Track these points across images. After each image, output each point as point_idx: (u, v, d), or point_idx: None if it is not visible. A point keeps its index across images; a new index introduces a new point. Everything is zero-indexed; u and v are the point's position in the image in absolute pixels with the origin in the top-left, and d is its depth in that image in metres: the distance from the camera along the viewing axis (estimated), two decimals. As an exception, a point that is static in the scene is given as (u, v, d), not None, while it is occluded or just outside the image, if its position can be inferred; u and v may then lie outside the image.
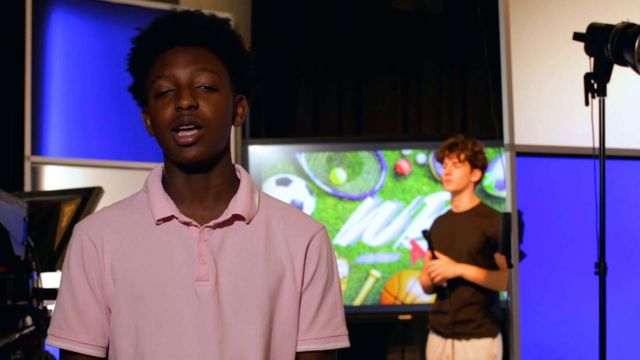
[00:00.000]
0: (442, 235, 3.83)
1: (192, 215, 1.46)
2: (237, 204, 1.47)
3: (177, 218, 1.45)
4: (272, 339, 1.45)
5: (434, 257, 3.75)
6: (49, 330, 1.48)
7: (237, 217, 1.47)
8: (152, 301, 1.41)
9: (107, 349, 1.48)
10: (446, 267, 3.71)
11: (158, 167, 1.53)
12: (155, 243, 1.44)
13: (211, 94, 1.43)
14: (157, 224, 1.45)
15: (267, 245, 1.47)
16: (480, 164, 3.82)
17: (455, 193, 3.87)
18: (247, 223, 1.47)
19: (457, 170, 3.80)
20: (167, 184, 1.49)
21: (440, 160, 3.88)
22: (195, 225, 1.44)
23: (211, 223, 1.45)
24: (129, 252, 1.44)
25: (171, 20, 1.45)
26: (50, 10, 4.61)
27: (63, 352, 1.47)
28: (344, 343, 1.53)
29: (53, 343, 1.47)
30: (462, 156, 3.79)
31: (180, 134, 1.40)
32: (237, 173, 1.54)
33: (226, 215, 1.46)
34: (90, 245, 1.45)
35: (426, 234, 3.78)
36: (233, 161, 1.58)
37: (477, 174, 3.83)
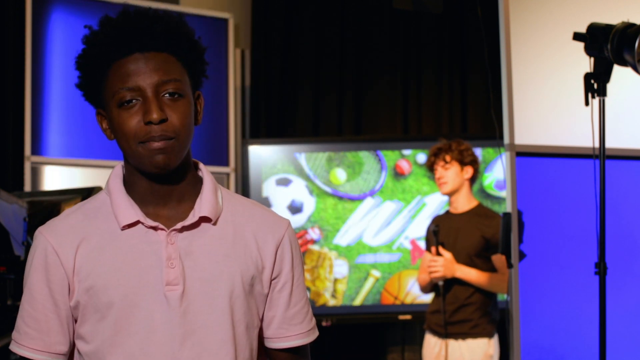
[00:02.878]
0: (442, 235, 3.84)
1: (157, 216, 1.44)
2: (203, 206, 1.45)
3: (142, 223, 1.43)
4: (241, 340, 1.45)
5: (438, 254, 3.76)
6: (12, 334, 1.48)
7: (203, 219, 1.45)
8: (120, 307, 1.39)
9: (72, 355, 1.46)
10: (447, 268, 3.72)
11: (118, 167, 1.50)
12: (122, 248, 1.41)
13: (176, 101, 1.40)
14: (123, 230, 1.43)
15: (235, 245, 1.46)
16: (468, 160, 3.84)
17: (451, 194, 3.89)
18: (214, 224, 1.46)
19: (447, 172, 3.83)
20: (129, 186, 1.46)
21: (430, 168, 3.92)
22: (162, 229, 1.42)
23: (178, 226, 1.43)
24: (95, 259, 1.41)
25: (129, 23, 1.40)
26: (50, 10, 4.61)
27: (22, 357, 1.46)
28: (317, 333, 1.56)
29: (12, 347, 1.47)
30: (448, 157, 3.83)
31: (150, 143, 1.38)
32: (199, 172, 1.52)
33: (193, 217, 1.44)
34: (52, 252, 1.42)
35: (436, 229, 3.78)
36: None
37: (468, 171, 3.85)
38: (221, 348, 1.42)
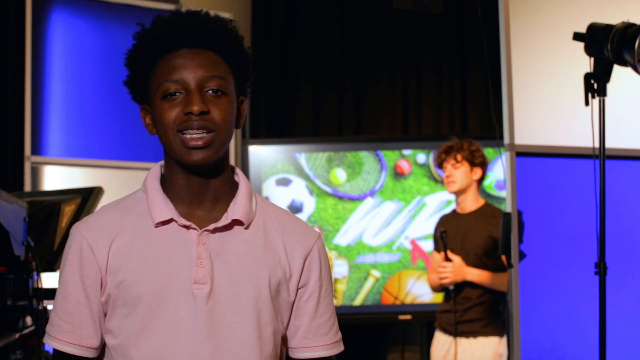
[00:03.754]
0: (450, 236, 3.83)
1: (191, 216, 1.46)
2: (237, 209, 1.47)
3: (176, 221, 1.45)
4: (267, 343, 1.47)
5: (447, 258, 3.76)
6: (46, 327, 1.51)
7: (236, 222, 1.47)
8: (148, 302, 1.42)
9: (103, 349, 1.50)
10: (456, 273, 3.72)
11: (156, 167, 1.53)
12: (154, 245, 1.44)
13: (220, 98, 1.43)
14: (156, 227, 1.45)
15: (266, 251, 1.48)
16: (478, 161, 3.83)
17: (458, 194, 3.88)
18: (246, 228, 1.48)
19: (457, 171, 3.82)
20: (166, 183, 1.49)
21: (440, 165, 3.91)
22: (194, 229, 1.45)
23: (211, 227, 1.45)
24: (127, 254, 1.44)
25: (179, 20, 1.44)
26: (50, 10, 4.61)
27: (54, 349, 1.50)
28: (342, 347, 1.58)
29: (45, 340, 1.50)
30: (460, 157, 3.81)
31: (189, 136, 1.41)
32: (235, 176, 1.54)
33: (226, 219, 1.46)
34: (87, 248, 1.45)
35: (444, 234, 3.78)
36: (232, 161, 1.57)
37: (477, 172, 3.84)
38: (245, 348, 1.44)
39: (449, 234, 3.82)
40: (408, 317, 5.12)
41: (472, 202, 3.88)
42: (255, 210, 1.51)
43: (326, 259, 1.56)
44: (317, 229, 5.13)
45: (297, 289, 1.51)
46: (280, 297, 1.49)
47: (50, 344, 1.49)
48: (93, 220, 1.49)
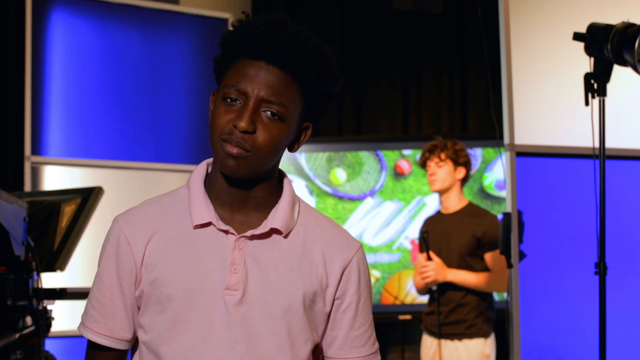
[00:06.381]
0: (434, 237, 3.83)
1: (231, 220, 1.45)
2: (277, 218, 1.45)
3: (214, 225, 1.44)
4: (300, 352, 1.46)
5: (429, 259, 3.76)
6: (81, 315, 1.51)
7: (274, 230, 1.46)
8: (180, 303, 1.42)
9: (136, 342, 1.50)
10: (438, 272, 3.72)
11: (202, 165, 1.52)
12: (191, 247, 1.44)
13: (274, 122, 1.40)
14: (195, 229, 1.44)
15: (302, 260, 1.46)
16: (462, 160, 3.83)
17: (442, 193, 3.88)
18: (285, 236, 1.46)
19: (440, 170, 3.82)
20: (210, 182, 1.48)
21: (423, 164, 3.91)
22: (232, 234, 1.44)
23: (248, 233, 1.44)
24: (163, 252, 1.44)
25: (270, 31, 1.40)
26: (50, 10, 4.61)
27: (89, 339, 1.50)
28: (378, 358, 1.57)
29: (78, 328, 1.51)
30: (443, 155, 3.81)
31: (227, 144, 1.39)
32: (282, 183, 1.52)
33: (264, 227, 1.45)
34: (125, 241, 1.45)
35: (425, 235, 3.78)
36: None
37: (461, 172, 3.84)
38: (275, 356, 1.43)
39: (434, 234, 3.82)
40: (408, 317, 5.12)
41: (455, 202, 3.88)
42: (297, 219, 1.49)
43: (366, 271, 1.53)
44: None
45: (334, 300, 1.49)
46: (315, 308, 1.47)
47: (83, 333, 1.49)
48: (134, 213, 1.49)
